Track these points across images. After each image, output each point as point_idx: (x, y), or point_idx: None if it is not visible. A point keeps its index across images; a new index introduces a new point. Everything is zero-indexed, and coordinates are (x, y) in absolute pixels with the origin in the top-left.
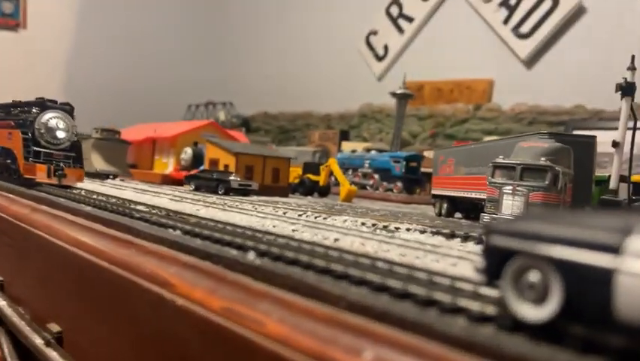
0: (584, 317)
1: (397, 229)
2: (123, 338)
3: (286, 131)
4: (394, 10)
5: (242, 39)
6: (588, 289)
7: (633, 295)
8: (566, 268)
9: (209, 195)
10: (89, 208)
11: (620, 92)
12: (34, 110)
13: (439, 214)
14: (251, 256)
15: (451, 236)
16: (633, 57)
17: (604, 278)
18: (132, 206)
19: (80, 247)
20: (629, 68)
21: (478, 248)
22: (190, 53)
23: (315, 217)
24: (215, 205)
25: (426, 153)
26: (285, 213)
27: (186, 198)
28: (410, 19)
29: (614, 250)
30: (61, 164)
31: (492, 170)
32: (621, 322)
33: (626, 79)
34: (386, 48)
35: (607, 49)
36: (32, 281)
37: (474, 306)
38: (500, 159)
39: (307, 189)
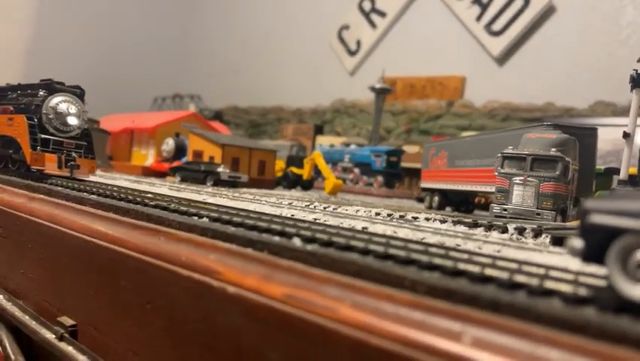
0: None
1: (415, 218)
2: (157, 328)
3: (257, 125)
4: (367, 5)
5: (210, 31)
6: None
7: None
8: None
9: (202, 186)
10: (94, 196)
11: (631, 84)
12: (40, 93)
13: (430, 208)
14: (297, 242)
15: (474, 225)
16: None
17: None
18: (139, 194)
19: (95, 236)
20: (639, 60)
21: (511, 236)
22: (156, 43)
23: (325, 207)
24: (219, 195)
25: (405, 148)
26: (290, 203)
27: (184, 189)
28: (383, 14)
29: None
30: (73, 154)
31: (501, 160)
32: None
33: (636, 70)
34: (358, 43)
35: (576, 47)
36: (35, 275)
37: (562, 287)
38: (510, 150)
39: (291, 182)
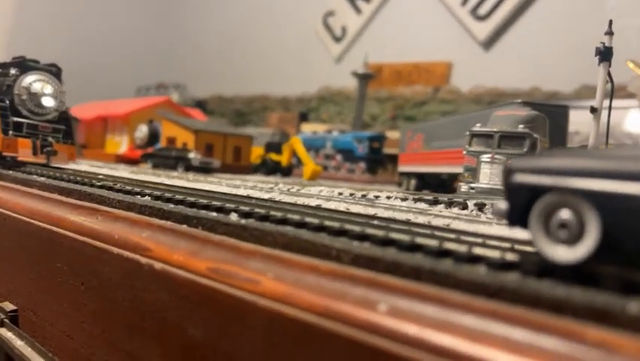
0: (623, 255)
1: (377, 197)
2: (90, 310)
3: (242, 114)
4: None
5: (194, 19)
6: (630, 224)
7: None
8: (605, 203)
9: (169, 171)
10: (42, 179)
11: (598, 57)
12: (12, 72)
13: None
14: (233, 216)
15: (435, 202)
16: (611, 22)
17: None
18: (91, 175)
19: (34, 216)
20: (606, 33)
21: (470, 212)
22: (139, 31)
23: (288, 189)
24: (179, 178)
25: (388, 134)
26: (255, 185)
27: (145, 173)
28: (368, 0)
29: None
30: (49, 138)
31: (469, 138)
32: None
33: (604, 43)
34: (344, 29)
35: (562, 32)
36: None
37: (491, 254)
38: (478, 127)
39: (269, 169)
